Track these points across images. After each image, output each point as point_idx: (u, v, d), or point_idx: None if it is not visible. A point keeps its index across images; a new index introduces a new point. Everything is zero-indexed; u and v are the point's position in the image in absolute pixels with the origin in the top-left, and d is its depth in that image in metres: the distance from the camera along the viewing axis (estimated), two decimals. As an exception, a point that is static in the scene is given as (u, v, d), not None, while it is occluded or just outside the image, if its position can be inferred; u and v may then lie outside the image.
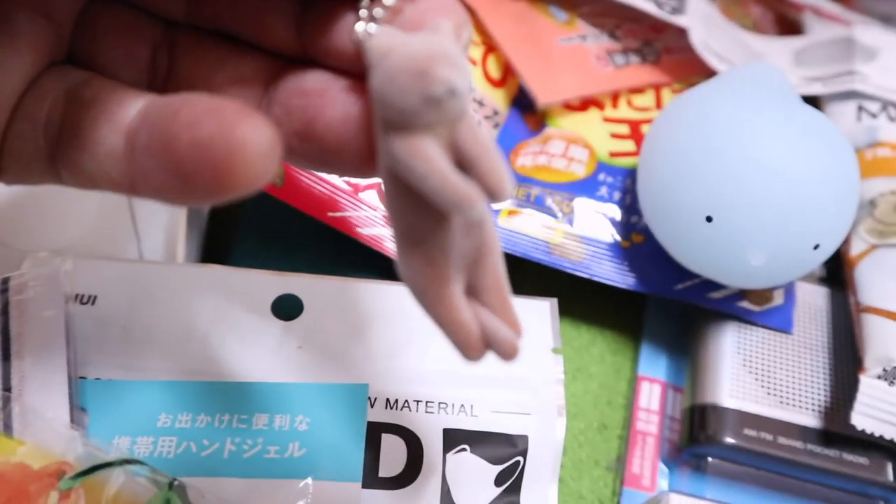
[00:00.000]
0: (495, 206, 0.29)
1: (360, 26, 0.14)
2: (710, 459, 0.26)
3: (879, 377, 0.24)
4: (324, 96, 0.15)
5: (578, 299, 0.30)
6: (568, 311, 0.30)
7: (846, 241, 0.28)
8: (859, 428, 0.24)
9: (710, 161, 0.24)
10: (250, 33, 0.15)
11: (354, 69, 0.15)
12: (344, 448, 0.22)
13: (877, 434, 0.24)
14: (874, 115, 0.31)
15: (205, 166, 0.12)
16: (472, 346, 0.15)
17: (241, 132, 0.12)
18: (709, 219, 0.24)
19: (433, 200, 0.13)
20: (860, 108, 0.32)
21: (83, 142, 0.15)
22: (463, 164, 0.13)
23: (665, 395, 0.28)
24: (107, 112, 0.14)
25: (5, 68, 0.15)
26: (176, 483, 0.19)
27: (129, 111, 0.14)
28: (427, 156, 0.13)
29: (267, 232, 0.30)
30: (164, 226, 0.28)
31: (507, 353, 0.15)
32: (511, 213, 0.29)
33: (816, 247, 0.25)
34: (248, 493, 0.21)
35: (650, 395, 0.28)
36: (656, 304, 0.30)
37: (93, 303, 0.24)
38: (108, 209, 0.28)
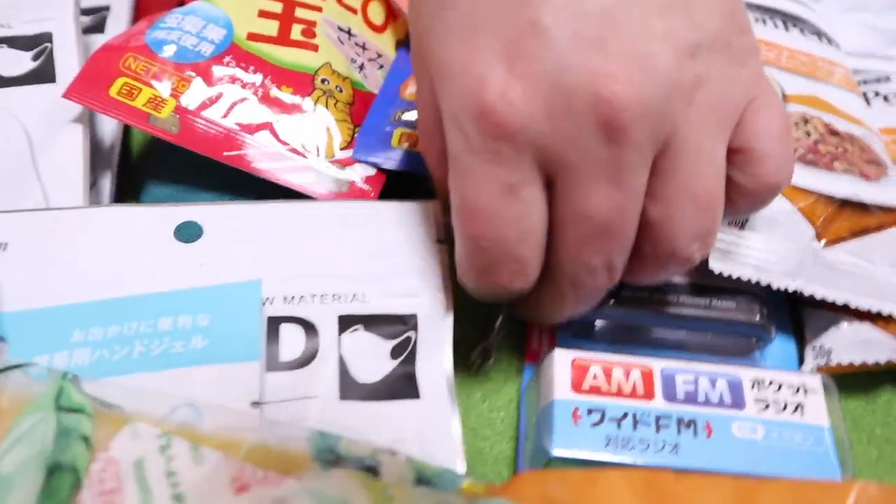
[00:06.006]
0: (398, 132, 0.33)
1: None
2: (595, 324, 0.29)
3: (731, 224, 0.28)
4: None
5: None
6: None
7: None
8: (717, 272, 0.27)
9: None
10: None
11: None
12: (242, 335, 0.24)
13: (734, 276, 0.28)
14: None
15: None
16: None
17: None
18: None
19: None
20: None
21: None
22: None
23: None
24: None
25: None
26: (70, 376, 0.22)
27: None
28: None
29: (176, 169, 0.33)
30: (65, 175, 0.31)
31: None
32: (407, 136, 0.32)
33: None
34: (161, 382, 0.23)
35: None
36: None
37: (5, 249, 0.27)
38: (13, 171, 0.31)
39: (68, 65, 0.34)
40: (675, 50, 0.22)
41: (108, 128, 0.34)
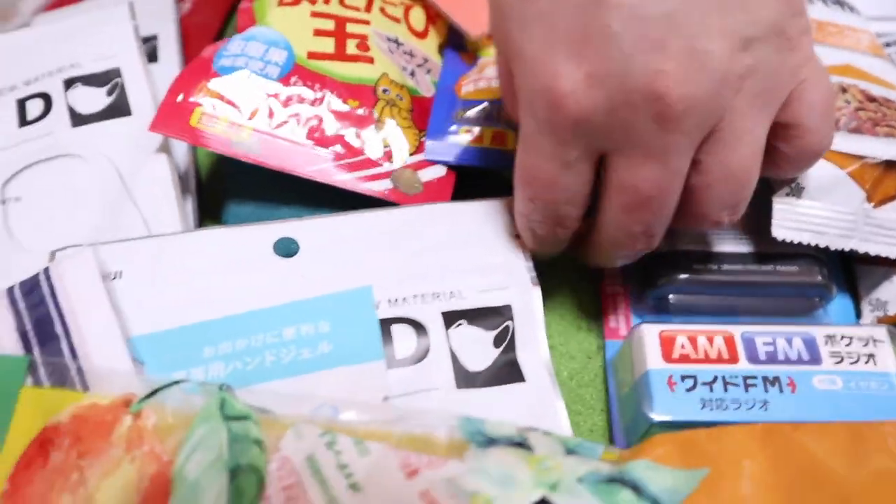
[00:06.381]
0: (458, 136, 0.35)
1: None
2: (671, 297, 0.32)
3: (788, 194, 0.30)
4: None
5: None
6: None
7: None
8: (780, 238, 0.30)
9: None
10: None
11: None
12: (363, 337, 0.27)
13: (795, 241, 0.30)
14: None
15: None
16: None
17: None
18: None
19: None
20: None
21: None
22: None
23: (625, 262, 0.34)
24: None
25: None
26: (225, 386, 0.24)
27: None
28: None
29: (254, 189, 0.36)
30: (159, 202, 0.33)
31: None
32: (467, 131, 0.35)
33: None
34: (296, 387, 0.26)
35: (613, 264, 0.34)
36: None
37: (120, 277, 0.29)
38: (110, 203, 0.33)
39: (141, 97, 0.36)
40: (728, 46, 0.24)
41: (181, 153, 0.37)
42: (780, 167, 0.28)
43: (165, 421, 0.24)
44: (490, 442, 0.22)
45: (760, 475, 0.20)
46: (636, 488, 0.20)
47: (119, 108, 0.36)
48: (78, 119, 0.35)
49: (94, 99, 0.36)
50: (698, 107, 0.24)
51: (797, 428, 0.21)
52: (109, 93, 0.36)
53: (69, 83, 0.37)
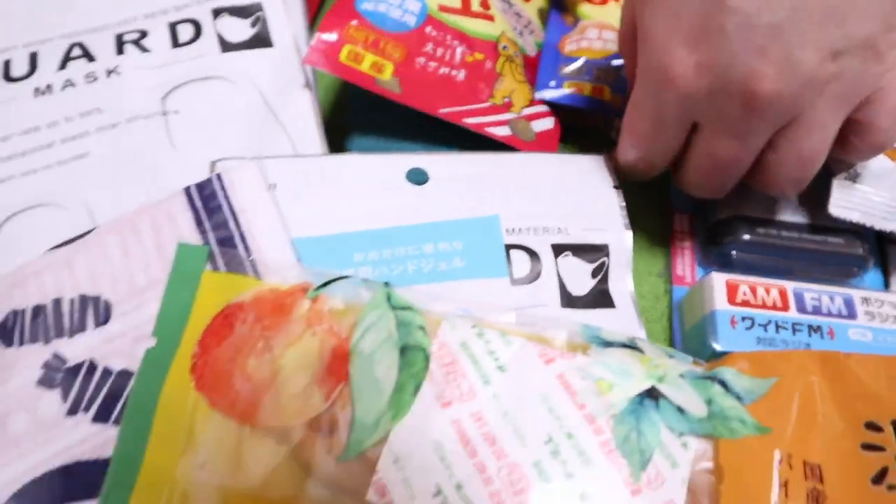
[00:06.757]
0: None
1: None
2: (734, 253, 0.38)
3: (846, 178, 0.36)
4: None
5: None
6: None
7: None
8: (835, 216, 0.36)
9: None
10: None
11: None
12: (491, 257, 0.33)
13: (848, 220, 0.36)
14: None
15: None
16: None
17: None
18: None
19: None
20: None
21: None
22: None
23: (693, 221, 0.40)
24: None
25: None
26: (388, 283, 0.30)
27: None
28: None
29: (375, 125, 0.41)
30: (304, 135, 0.39)
31: None
32: (574, 84, 0.41)
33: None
34: (434, 290, 0.32)
35: (682, 222, 0.40)
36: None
37: (275, 188, 0.35)
38: (257, 123, 0.38)
39: (280, 30, 0.41)
40: (819, 56, 0.30)
41: (309, 86, 0.42)
42: (849, 154, 0.34)
43: (338, 307, 0.30)
44: (607, 344, 0.28)
45: (819, 388, 0.27)
46: (724, 385, 0.27)
47: (261, 40, 0.41)
48: (226, 46, 0.41)
49: (239, 29, 0.41)
50: (782, 103, 0.30)
51: (848, 356, 0.27)
52: (253, 24, 0.42)
53: (217, 12, 0.42)
